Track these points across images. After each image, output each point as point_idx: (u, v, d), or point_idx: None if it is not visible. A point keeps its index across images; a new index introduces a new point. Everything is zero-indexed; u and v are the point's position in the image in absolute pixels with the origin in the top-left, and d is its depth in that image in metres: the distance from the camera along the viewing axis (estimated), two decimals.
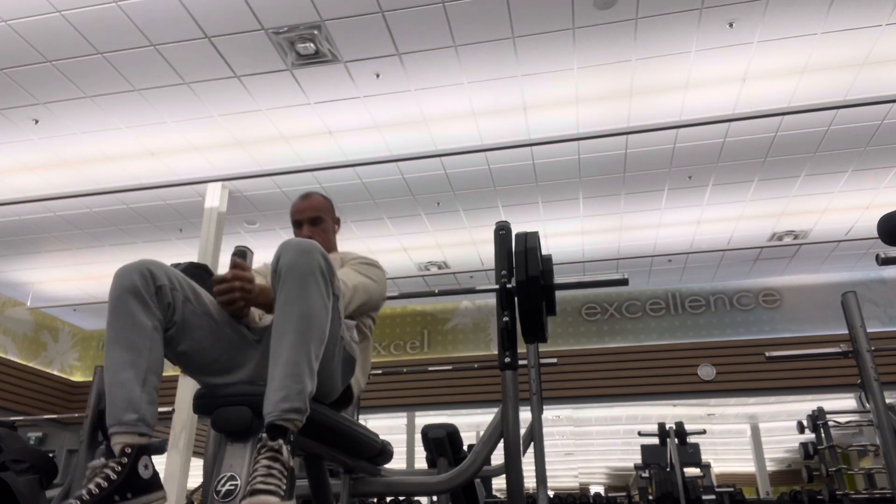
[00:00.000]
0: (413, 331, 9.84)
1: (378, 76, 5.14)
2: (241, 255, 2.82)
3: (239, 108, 5.49)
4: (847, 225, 7.63)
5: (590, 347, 9.20)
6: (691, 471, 6.47)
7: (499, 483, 6.51)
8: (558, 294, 2.12)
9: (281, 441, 1.29)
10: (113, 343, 1.42)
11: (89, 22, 4.55)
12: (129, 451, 1.33)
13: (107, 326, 1.45)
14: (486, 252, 8.12)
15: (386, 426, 10.42)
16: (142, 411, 1.38)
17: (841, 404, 8.05)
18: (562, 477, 16.15)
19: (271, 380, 1.34)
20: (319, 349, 1.41)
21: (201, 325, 1.52)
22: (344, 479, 2.09)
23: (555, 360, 4.69)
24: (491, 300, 9.52)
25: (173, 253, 7.87)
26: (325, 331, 1.43)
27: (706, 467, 6.78)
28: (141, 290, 1.43)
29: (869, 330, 2.98)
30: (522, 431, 2.79)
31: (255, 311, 1.71)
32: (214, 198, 6.49)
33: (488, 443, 2.02)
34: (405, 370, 5.88)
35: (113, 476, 1.29)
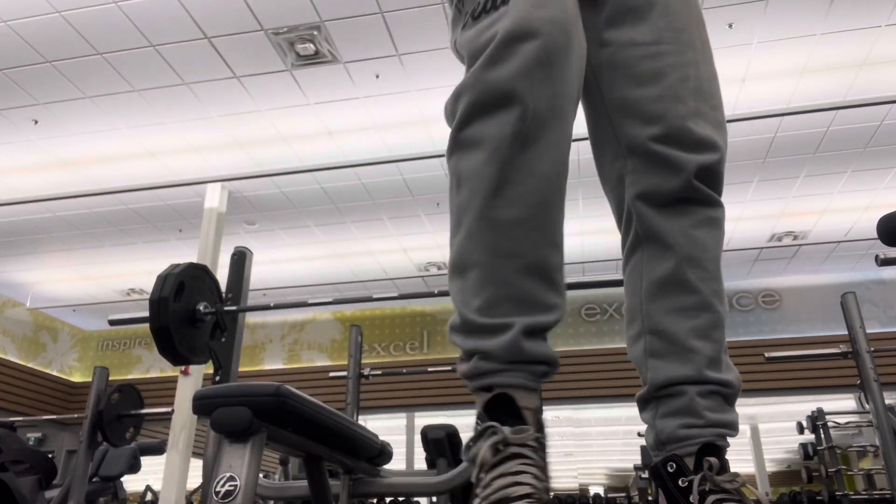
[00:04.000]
0: (412, 331, 9.84)
1: (378, 77, 5.14)
2: (241, 256, 2.82)
3: (238, 109, 5.49)
4: (846, 225, 7.62)
5: (590, 348, 9.19)
6: None
7: None
8: None
9: None
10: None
11: (89, 22, 4.55)
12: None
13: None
14: None
15: (385, 427, 10.41)
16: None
17: (840, 405, 8.03)
18: (561, 478, 16.16)
19: None
20: None
21: None
22: (343, 479, 2.08)
23: None
24: None
25: (173, 253, 7.86)
26: None
27: None
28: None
29: (868, 331, 2.97)
30: None
31: None
32: (214, 198, 6.49)
33: None
34: (405, 371, 5.88)
35: None
